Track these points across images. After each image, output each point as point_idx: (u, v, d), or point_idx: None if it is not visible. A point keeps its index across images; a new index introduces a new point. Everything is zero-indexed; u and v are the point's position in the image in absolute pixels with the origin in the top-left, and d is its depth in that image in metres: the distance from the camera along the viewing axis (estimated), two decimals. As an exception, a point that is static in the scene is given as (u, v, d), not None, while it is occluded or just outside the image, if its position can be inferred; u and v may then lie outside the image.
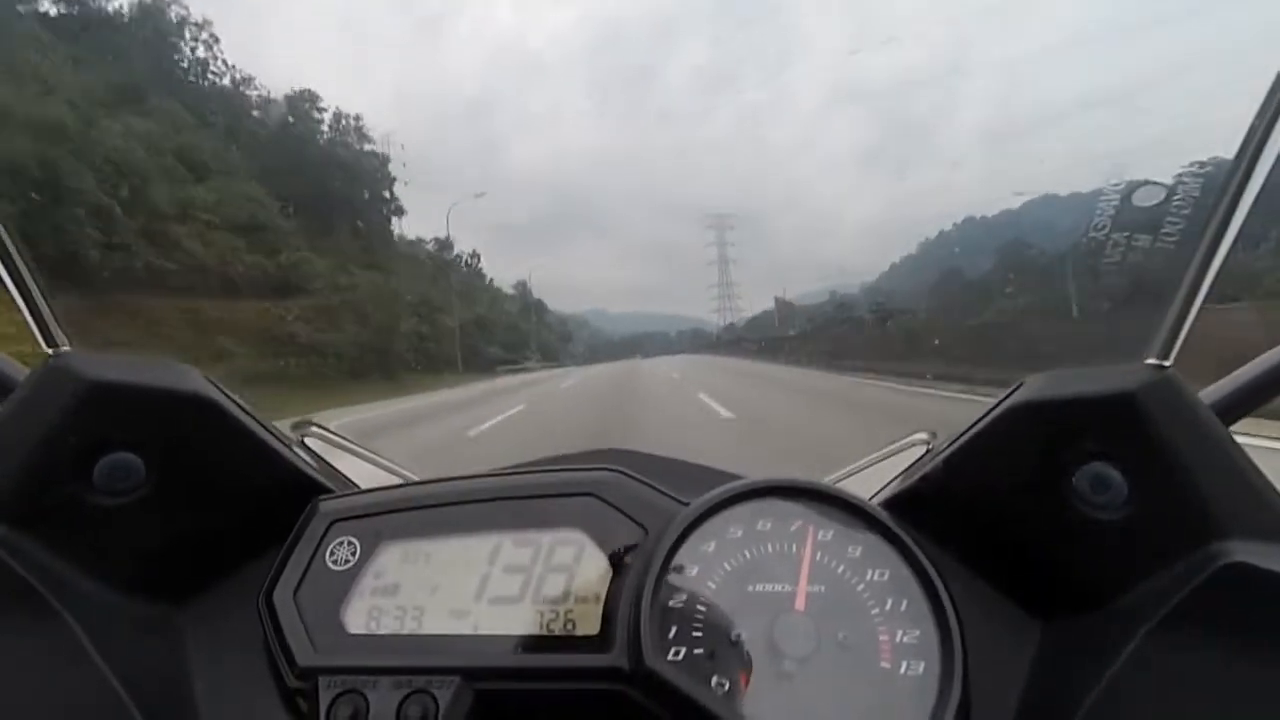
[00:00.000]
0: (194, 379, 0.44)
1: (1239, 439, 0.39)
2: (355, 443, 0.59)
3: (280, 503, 0.46)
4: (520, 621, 0.41)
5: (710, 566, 0.41)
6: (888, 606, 0.40)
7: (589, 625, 0.41)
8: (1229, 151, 0.40)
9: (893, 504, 0.48)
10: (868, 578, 0.41)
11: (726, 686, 0.37)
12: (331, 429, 0.60)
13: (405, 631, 0.41)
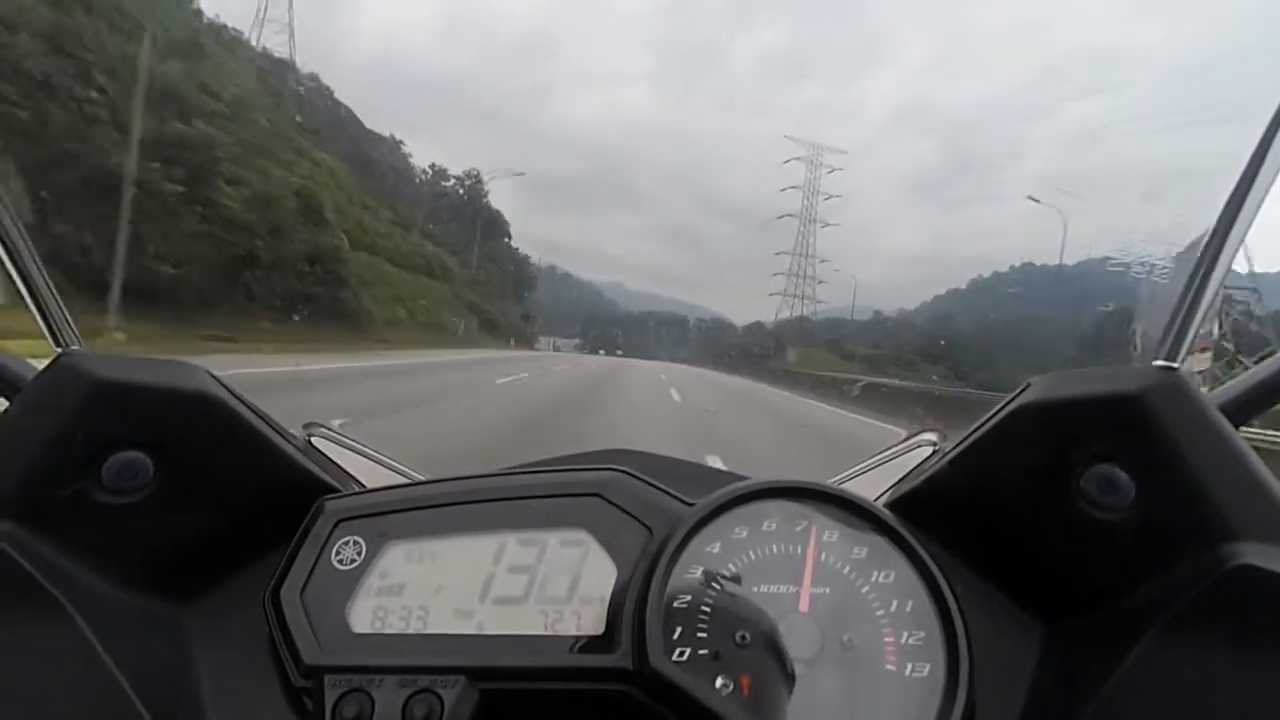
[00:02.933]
0: (202, 378, 0.44)
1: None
2: (362, 442, 0.60)
3: (286, 502, 0.46)
4: (525, 621, 0.41)
5: (715, 567, 0.41)
6: (893, 608, 0.40)
7: (594, 625, 0.41)
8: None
9: (898, 505, 0.48)
10: (873, 579, 0.41)
11: (731, 687, 0.37)
12: (338, 429, 0.60)
13: (410, 631, 0.41)
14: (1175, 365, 0.40)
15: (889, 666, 0.38)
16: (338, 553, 0.43)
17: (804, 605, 0.40)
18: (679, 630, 0.39)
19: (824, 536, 0.42)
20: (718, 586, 0.40)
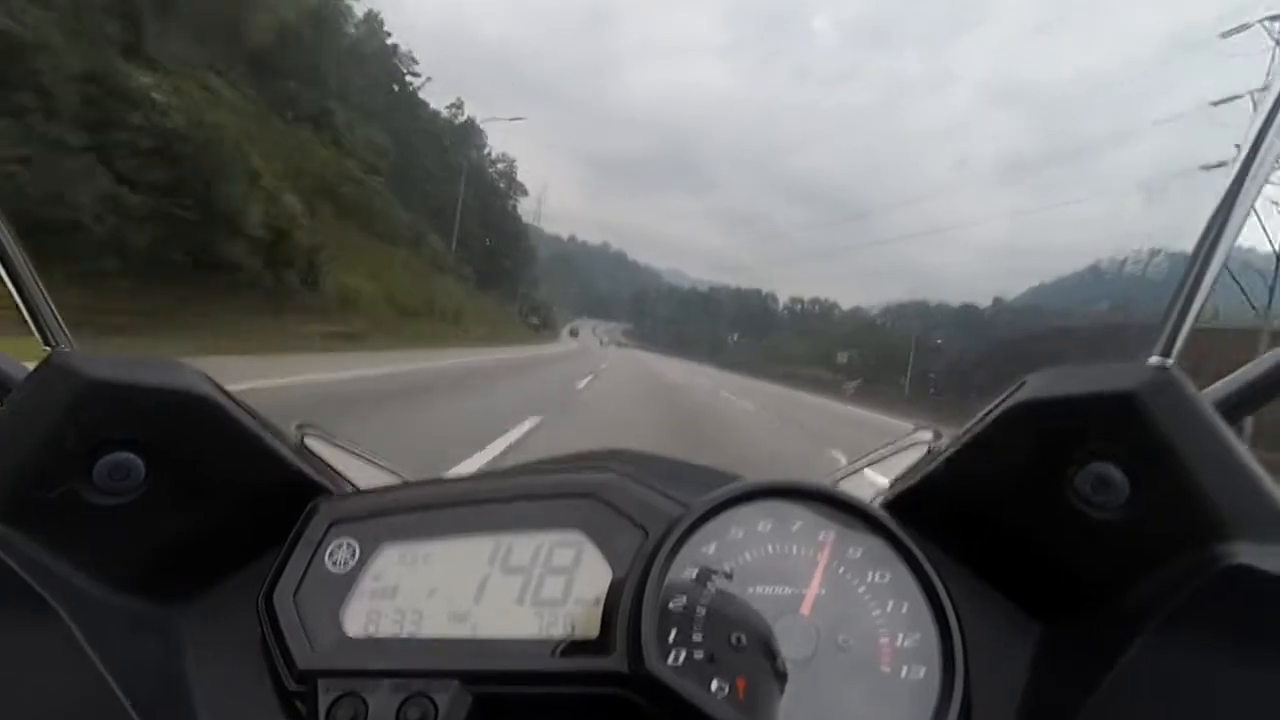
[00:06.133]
0: (195, 378, 0.44)
1: None
2: (356, 444, 0.59)
3: (280, 503, 0.46)
4: (519, 624, 0.41)
5: (711, 569, 0.41)
6: (888, 609, 0.40)
7: (588, 628, 0.41)
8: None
9: (894, 505, 0.48)
10: (868, 580, 0.40)
11: (726, 690, 0.37)
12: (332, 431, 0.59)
13: (404, 634, 0.41)
14: (1169, 363, 0.40)
15: (884, 668, 0.38)
16: (331, 555, 0.43)
17: (799, 607, 0.40)
18: (674, 633, 0.39)
19: (819, 537, 0.42)
20: (713, 589, 0.40)
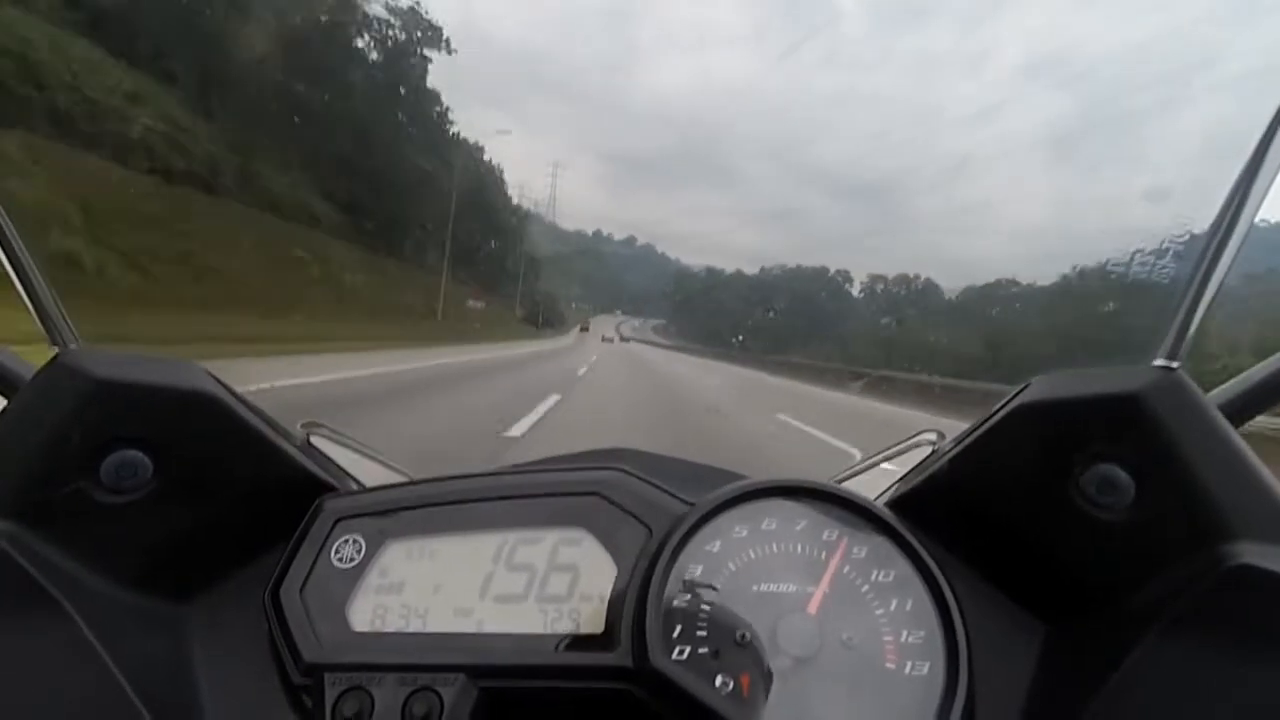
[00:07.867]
0: (201, 377, 0.44)
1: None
2: (361, 442, 0.60)
3: (286, 500, 0.46)
4: (524, 620, 0.41)
5: (715, 566, 0.41)
6: (892, 607, 0.40)
7: (593, 624, 0.41)
8: None
9: (898, 504, 0.48)
10: (873, 578, 0.41)
11: (731, 686, 0.37)
12: (337, 429, 0.60)
13: (410, 629, 0.41)
14: (1175, 365, 0.40)
15: (888, 665, 0.38)
16: (337, 551, 0.43)
17: (804, 604, 0.40)
18: (679, 629, 0.39)
19: (825, 535, 0.42)
20: (717, 586, 0.40)
